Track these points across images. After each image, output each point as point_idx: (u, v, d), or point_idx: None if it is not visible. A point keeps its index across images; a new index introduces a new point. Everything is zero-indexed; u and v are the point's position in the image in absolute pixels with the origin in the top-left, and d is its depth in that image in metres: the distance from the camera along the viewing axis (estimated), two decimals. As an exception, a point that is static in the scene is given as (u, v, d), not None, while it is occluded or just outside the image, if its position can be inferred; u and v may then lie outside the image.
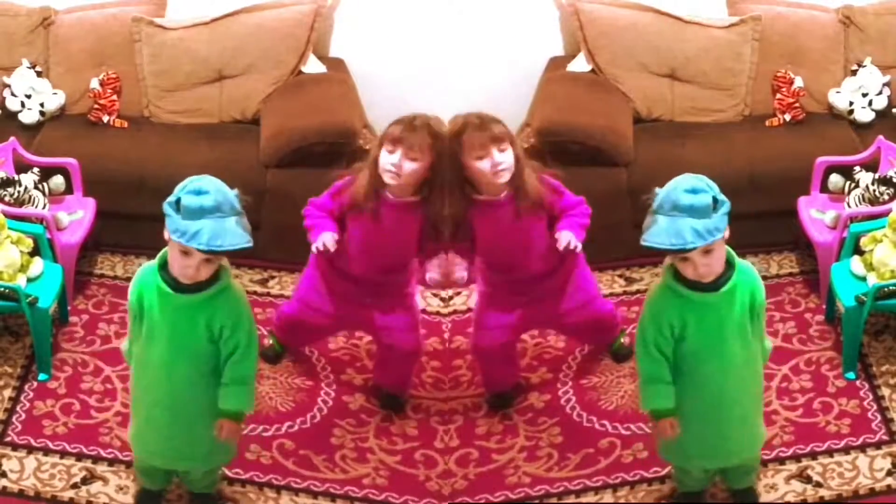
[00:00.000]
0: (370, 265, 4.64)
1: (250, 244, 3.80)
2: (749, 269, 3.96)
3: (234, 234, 3.76)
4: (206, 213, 3.74)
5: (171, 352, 3.93)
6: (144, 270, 3.98)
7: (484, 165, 4.38)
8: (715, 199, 3.77)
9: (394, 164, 4.36)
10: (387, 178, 4.40)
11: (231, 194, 3.83)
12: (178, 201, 3.78)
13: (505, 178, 4.42)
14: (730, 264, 3.89)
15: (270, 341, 5.05)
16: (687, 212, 3.72)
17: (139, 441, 4.17)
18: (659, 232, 3.73)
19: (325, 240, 4.47)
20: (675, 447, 4.15)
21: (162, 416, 4.03)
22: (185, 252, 3.79)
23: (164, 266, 3.91)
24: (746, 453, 4.18)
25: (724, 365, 3.94)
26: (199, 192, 3.77)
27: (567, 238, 4.46)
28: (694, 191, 3.75)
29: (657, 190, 3.82)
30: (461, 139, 4.38)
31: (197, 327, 3.92)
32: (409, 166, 4.38)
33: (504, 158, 4.38)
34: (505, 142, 4.38)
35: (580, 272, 4.81)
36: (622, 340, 5.05)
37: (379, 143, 4.44)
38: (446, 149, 4.41)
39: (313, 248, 4.50)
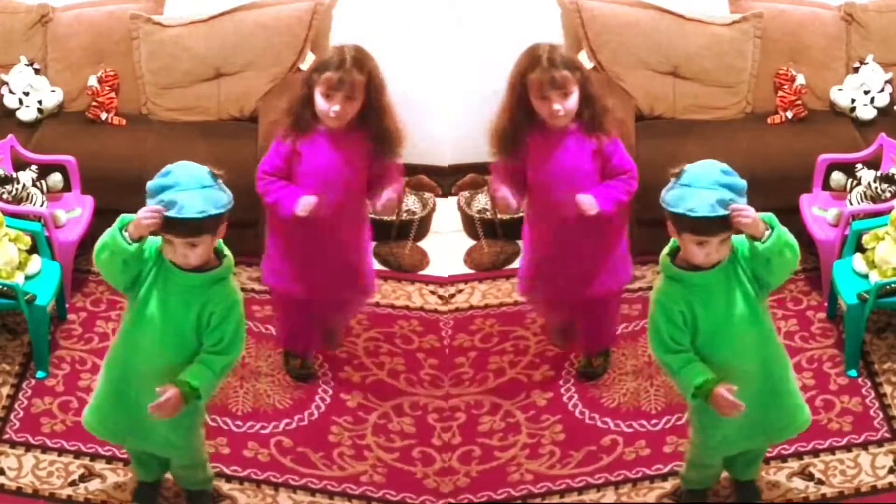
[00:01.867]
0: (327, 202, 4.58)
1: (204, 214, 3.77)
2: (736, 240, 3.94)
3: (190, 205, 3.76)
4: (165, 191, 3.79)
5: (162, 333, 3.90)
6: (157, 242, 3.95)
7: (543, 107, 4.50)
8: None
9: (336, 111, 4.48)
10: (331, 123, 4.53)
11: (199, 171, 3.86)
12: None
13: (561, 123, 4.52)
14: None
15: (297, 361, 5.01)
16: (727, 187, 3.78)
17: (97, 412, 4.13)
18: (703, 202, 3.74)
19: (309, 201, 4.52)
20: (718, 440, 4.11)
21: (133, 392, 3.98)
22: (167, 240, 3.82)
23: None
24: (792, 428, 4.15)
25: (738, 347, 3.90)
26: (162, 175, 3.84)
27: (585, 202, 4.50)
28: (728, 172, 3.83)
29: (687, 167, 3.85)
30: (526, 77, 4.49)
31: (190, 311, 3.90)
32: (351, 107, 4.51)
33: (563, 105, 4.48)
34: (568, 86, 4.47)
35: (620, 253, 4.80)
36: (598, 360, 5.01)
37: (308, 82, 4.53)
38: (379, 80, 4.55)
39: (299, 213, 4.52)
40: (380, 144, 4.60)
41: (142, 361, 3.95)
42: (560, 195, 4.56)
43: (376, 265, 5.69)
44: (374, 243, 5.82)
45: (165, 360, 3.93)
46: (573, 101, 4.49)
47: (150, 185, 3.84)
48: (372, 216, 5.79)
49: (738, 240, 3.91)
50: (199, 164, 3.90)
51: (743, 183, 3.82)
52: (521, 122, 4.56)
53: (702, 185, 3.78)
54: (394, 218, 5.79)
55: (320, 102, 4.49)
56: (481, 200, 5.96)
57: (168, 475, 4.35)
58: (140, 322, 3.93)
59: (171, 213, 3.74)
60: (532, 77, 4.46)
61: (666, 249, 3.95)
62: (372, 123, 4.56)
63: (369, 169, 4.66)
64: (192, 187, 3.79)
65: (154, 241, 3.93)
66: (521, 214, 5.85)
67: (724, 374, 3.91)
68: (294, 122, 4.58)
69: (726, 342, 3.91)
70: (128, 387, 4.00)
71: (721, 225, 3.76)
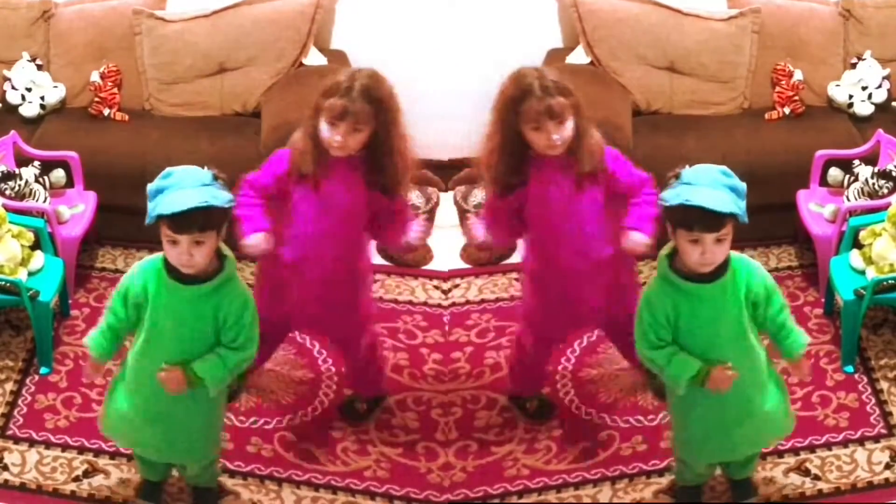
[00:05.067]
0: (318, 244, 4.37)
1: (206, 203, 3.77)
2: (744, 260, 3.97)
3: (191, 197, 3.77)
4: (165, 190, 3.81)
5: (181, 343, 3.94)
6: (148, 264, 3.99)
7: (538, 138, 4.21)
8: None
9: (338, 141, 4.21)
10: (334, 153, 4.26)
11: (200, 172, 3.89)
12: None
13: (557, 151, 4.22)
14: (724, 263, 3.90)
15: None
16: (728, 188, 3.80)
17: (131, 433, 4.16)
18: (705, 196, 3.75)
19: (257, 241, 4.30)
20: (685, 443, 4.20)
21: (161, 408, 4.03)
22: (172, 241, 3.83)
23: (167, 261, 3.93)
24: (752, 447, 4.20)
25: (717, 360, 3.93)
26: (163, 177, 3.86)
27: (636, 242, 4.30)
28: (728, 174, 3.85)
29: (686, 168, 3.88)
30: (519, 108, 4.19)
31: (204, 318, 3.94)
32: (355, 138, 4.23)
33: (560, 133, 4.18)
34: (564, 114, 4.17)
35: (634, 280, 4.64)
36: None
37: (314, 112, 4.25)
38: (390, 111, 4.26)
39: (246, 248, 4.31)
40: (378, 179, 4.32)
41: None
42: (563, 232, 4.36)
43: (380, 260, 5.74)
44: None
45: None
46: (569, 128, 4.19)
47: (149, 187, 3.86)
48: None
49: (746, 265, 3.95)
50: (200, 168, 3.93)
51: (743, 185, 3.85)
52: (515, 155, 4.27)
53: (704, 183, 3.80)
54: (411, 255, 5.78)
55: (324, 130, 4.21)
56: (477, 195, 5.97)
57: (174, 472, 4.38)
58: (156, 343, 3.96)
59: (175, 208, 3.75)
60: (525, 107, 4.17)
61: (666, 249, 3.96)
62: (376, 157, 4.29)
63: (371, 203, 4.39)
64: (190, 186, 3.82)
65: (146, 264, 3.99)
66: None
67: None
68: (304, 157, 4.31)
69: (706, 355, 3.94)
70: (159, 405, 4.03)
71: (716, 222, 3.77)
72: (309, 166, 4.29)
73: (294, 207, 4.36)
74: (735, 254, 3.95)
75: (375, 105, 4.22)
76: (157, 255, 3.97)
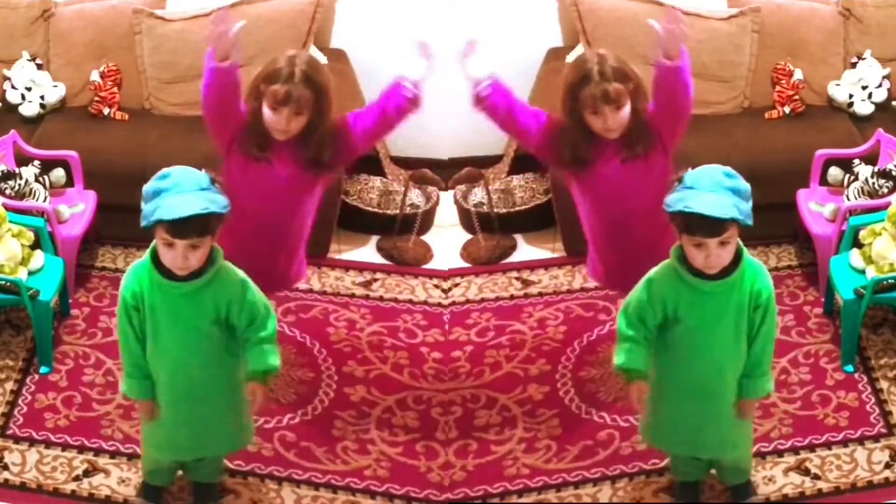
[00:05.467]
0: (256, 221, 4.44)
1: (207, 210, 3.77)
2: (756, 266, 3.96)
3: (192, 203, 3.76)
4: (162, 193, 3.79)
5: (182, 341, 3.94)
6: (136, 269, 3.97)
7: (596, 122, 4.32)
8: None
9: (281, 125, 4.32)
10: (277, 136, 4.35)
11: (197, 174, 3.88)
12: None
13: (614, 135, 4.34)
14: (735, 262, 3.90)
15: None
16: (731, 191, 3.79)
17: (164, 444, 4.17)
18: (704, 202, 3.75)
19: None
20: (653, 428, 4.21)
21: (185, 409, 4.04)
22: (168, 244, 3.81)
23: (156, 261, 3.91)
24: (719, 452, 4.20)
25: (710, 356, 3.95)
26: (160, 178, 3.85)
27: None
28: (732, 175, 3.85)
29: (689, 171, 3.88)
30: (578, 93, 4.29)
31: (204, 311, 3.94)
32: (297, 122, 4.33)
33: (616, 119, 4.30)
34: (621, 99, 4.29)
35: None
36: None
37: (255, 96, 4.37)
38: (328, 94, 4.36)
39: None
40: (317, 159, 4.41)
41: (184, 380, 4.00)
42: (620, 212, 4.46)
43: (380, 259, 5.76)
44: (376, 237, 5.89)
45: (204, 367, 3.99)
46: (626, 112, 4.30)
47: (146, 188, 3.84)
48: (376, 210, 5.84)
49: (756, 271, 3.94)
50: (196, 169, 3.92)
51: (746, 186, 3.84)
52: (582, 135, 4.36)
53: (705, 187, 3.80)
54: (397, 212, 5.80)
55: (267, 114, 4.32)
56: (478, 194, 5.98)
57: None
58: (160, 346, 3.97)
59: (175, 214, 3.74)
60: (584, 92, 4.27)
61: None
62: (314, 138, 4.37)
63: (315, 176, 4.50)
64: (189, 190, 3.81)
65: (135, 271, 3.96)
66: (517, 209, 5.92)
67: (681, 375, 4.01)
68: (250, 138, 4.42)
69: (697, 350, 3.96)
70: (185, 406, 4.05)
71: (718, 227, 3.76)
72: (251, 147, 4.38)
73: (232, 179, 4.31)
74: (750, 257, 3.95)
75: (315, 90, 4.32)
76: (143, 259, 3.95)
